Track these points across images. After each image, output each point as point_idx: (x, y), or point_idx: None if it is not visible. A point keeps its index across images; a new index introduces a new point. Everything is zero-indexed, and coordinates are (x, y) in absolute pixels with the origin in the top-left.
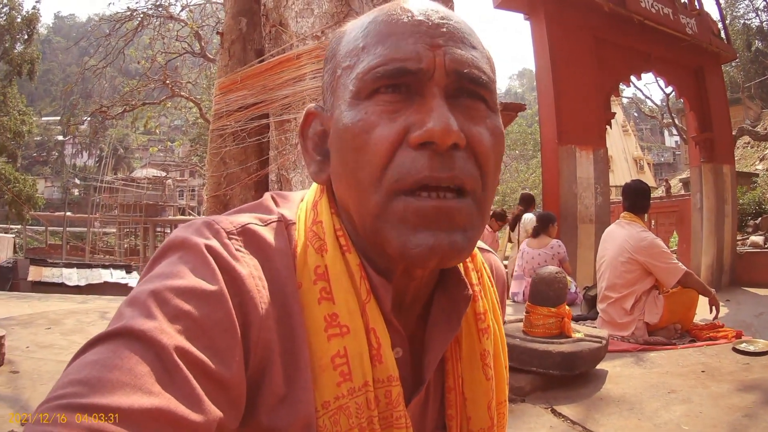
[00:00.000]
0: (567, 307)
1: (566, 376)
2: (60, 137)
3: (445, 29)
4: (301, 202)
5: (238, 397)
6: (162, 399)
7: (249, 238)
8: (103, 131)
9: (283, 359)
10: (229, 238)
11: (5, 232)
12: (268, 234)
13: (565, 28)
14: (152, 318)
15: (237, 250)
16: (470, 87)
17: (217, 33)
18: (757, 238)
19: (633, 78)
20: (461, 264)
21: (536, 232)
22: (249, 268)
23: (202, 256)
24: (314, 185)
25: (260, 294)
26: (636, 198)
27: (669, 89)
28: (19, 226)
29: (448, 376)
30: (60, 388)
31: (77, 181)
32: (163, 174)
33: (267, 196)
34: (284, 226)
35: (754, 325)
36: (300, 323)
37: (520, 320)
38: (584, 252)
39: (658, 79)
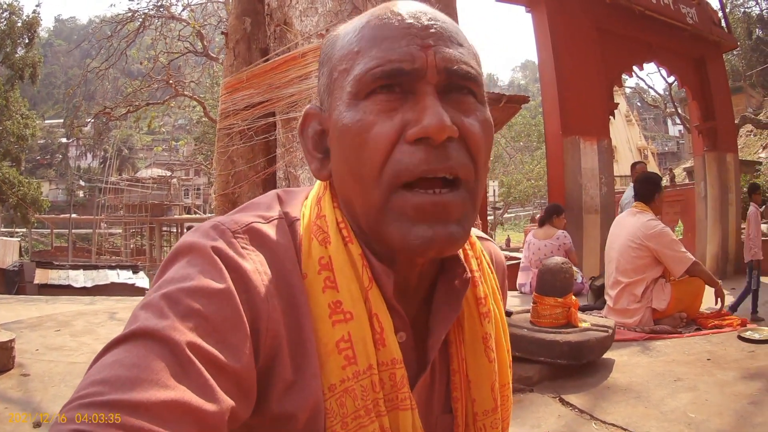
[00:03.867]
0: (574, 297)
1: (573, 366)
2: (64, 140)
3: (433, 30)
4: (305, 199)
5: (249, 387)
6: (177, 391)
7: (253, 235)
8: (107, 132)
9: (291, 347)
10: (235, 237)
11: (10, 236)
12: (270, 230)
13: (567, 20)
14: (165, 318)
15: (243, 248)
16: (460, 82)
17: (222, 33)
18: (762, 226)
19: (635, 68)
20: (461, 251)
21: (541, 223)
22: (254, 263)
23: (209, 258)
24: (318, 182)
25: (266, 287)
26: (646, 188)
27: (671, 79)
28: (24, 230)
29: (453, 360)
30: (82, 389)
31: (82, 183)
32: (168, 173)
33: (272, 194)
34: (286, 222)
35: (759, 313)
36: (306, 312)
37: (528, 311)
38: (590, 242)
39: (660, 68)
